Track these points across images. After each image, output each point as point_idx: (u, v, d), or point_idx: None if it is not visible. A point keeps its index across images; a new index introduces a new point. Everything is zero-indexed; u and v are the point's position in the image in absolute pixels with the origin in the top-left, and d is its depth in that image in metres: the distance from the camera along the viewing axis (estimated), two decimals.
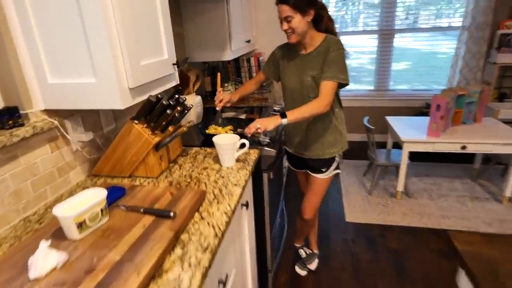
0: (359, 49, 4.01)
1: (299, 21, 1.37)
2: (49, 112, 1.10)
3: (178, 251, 0.83)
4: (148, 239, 0.81)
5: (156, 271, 0.75)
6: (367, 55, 4.01)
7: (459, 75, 3.65)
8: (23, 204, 1.02)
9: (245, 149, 1.33)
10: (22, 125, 1.00)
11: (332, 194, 2.96)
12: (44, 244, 0.73)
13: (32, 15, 0.96)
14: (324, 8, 1.47)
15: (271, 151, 1.51)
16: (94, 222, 0.86)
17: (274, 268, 1.84)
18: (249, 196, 1.39)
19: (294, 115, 1.39)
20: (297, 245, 2.13)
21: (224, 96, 1.63)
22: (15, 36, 0.99)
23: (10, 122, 0.97)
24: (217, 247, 0.86)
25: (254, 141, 1.53)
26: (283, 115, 1.38)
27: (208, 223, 0.94)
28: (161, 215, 0.90)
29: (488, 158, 3.13)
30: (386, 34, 3.82)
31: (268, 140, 1.52)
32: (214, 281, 0.92)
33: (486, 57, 3.52)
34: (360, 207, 2.72)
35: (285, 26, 1.40)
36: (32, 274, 0.70)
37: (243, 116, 1.82)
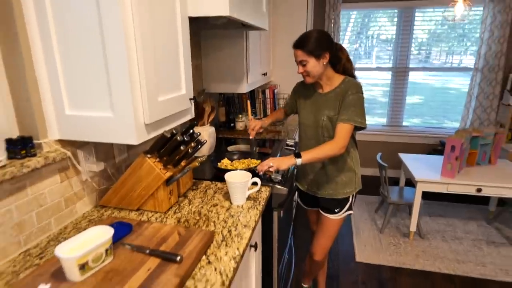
0: (372, 81, 4.02)
1: (313, 65, 1.38)
2: (63, 141, 1.10)
3: None
4: (152, 285, 0.77)
5: None
6: (379, 88, 4.02)
7: (472, 115, 3.62)
8: (25, 236, 1.00)
9: (257, 189, 1.29)
10: (35, 155, 1.00)
11: (342, 230, 2.86)
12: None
13: (57, 49, 0.98)
14: (342, 50, 1.48)
15: (282, 189, 1.47)
16: (97, 263, 0.82)
17: None
18: (258, 237, 1.33)
19: (308, 156, 1.36)
20: (305, 286, 2.03)
21: (256, 123, 1.66)
22: (38, 68, 1.00)
23: (23, 152, 0.97)
24: None
25: (266, 178, 1.50)
26: (298, 155, 1.35)
27: (215, 269, 0.89)
28: (168, 258, 0.86)
29: (503, 200, 3.01)
30: (400, 71, 3.84)
31: (280, 178, 1.49)
32: None
33: (500, 98, 3.49)
34: (371, 246, 2.62)
35: (301, 69, 1.42)
36: None
37: (256, 149, 1.80)
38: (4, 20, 0.93)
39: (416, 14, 3.63)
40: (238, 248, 0.99)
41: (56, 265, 0.83)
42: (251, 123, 1.68)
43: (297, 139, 2.29)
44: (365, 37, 3.90)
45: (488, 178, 2.49)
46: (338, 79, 1.46)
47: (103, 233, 0.85)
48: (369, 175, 4.06)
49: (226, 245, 1.01)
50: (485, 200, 3.27)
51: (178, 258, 0.85)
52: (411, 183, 2.69)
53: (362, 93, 1.43)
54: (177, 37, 1.19)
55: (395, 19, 3.71)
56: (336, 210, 1.62)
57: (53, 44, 0.98)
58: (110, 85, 0.96)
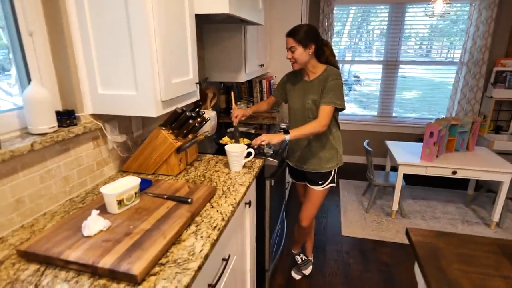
0: (371, 76, 4.25)
1: (300, 53, 1.64)
2: (95, 116, 1.37)
3: (193, 227, 1.06)
4: (171, 216, 1.05)
5: (176, 240, 0.98)
6: (378, 82, 4.23)
7: (457, 106, 3.87)
8: (69, 187, 1.27)
9: (251, 158, 1.57)
10: (76, 125, 1.27)
11: (331, 210, 3.15)
12: (95, 212, 0.97)
13: (93, 41, 1.24)
14: (327, 45, 1.74)
15: (273, 161, 1.75)
16: (130, 202, 1.10)
17: (271, 268, 2.02)
18: (252, 196, 1.61)
19: (295, 132, 1.63)
20: (294, 252, 2.32)
21: (238, 112, 1.89)
22: (78, 56, 1.27)
23: (68, 121, 1.24)
24: (223, 228, 1.09)
25: (260, 152, 1.77)
26: (286, 132, 1.62)
27: (217, 211, 1.17)
28: (181, 201, 1.14)
29: (481, 185, 3.29)
30: (390, 64, 4.09)
31: (271, 152, 1.76)
32: (219, 258, 1.14)
33: (484, 90, 3.75)
34: (356, 223, 2.90)
35: (289, 55, 1.67)
36: (86, 232, 0.94)
37: (252, 131, 2.07)
38: (53, 16, 1.20)
39: (411, 9, 3.84)
40: (235, 199, 1.27)
41: (98, 204, 1.11)
42: (234, 112, 1.89)
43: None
44: (366, 32, 4.11)
45: (464, 162, 2.75)
46: (321, 68, 1.73)
47: (133, 181, 1.12)
48: (359, 162, 4.33)
49: (225, 196, 1.28)
50: (465, 185, 3.54)
51: (190, 200, 1.13)
52: (396, 169, 2.95)
53: (341, 79, 1.69)
54: (186, 31, 1.45)
55: (392, 14, 3.91)
56: (320, 182, 1.89)
57: (90, 37, 1.24)
58: (135, 69, 1.23)
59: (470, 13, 3.62)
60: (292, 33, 1.65)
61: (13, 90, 1.24)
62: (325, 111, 1.66)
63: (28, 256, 0.89)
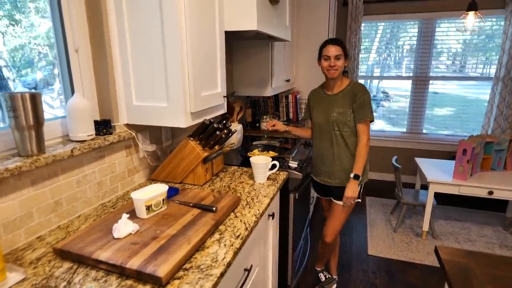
0: (400, 92, 4.18)
1: (342, 63, 1.70)
2: (128, 125, 1.45)
3: (216, 235, 1.08)
4: (196, 223, 1.08)
5: (200, 246, 1.01)
6: (407, 98, 4.14)
7: (493, 123, 3.70)
8: (102, 193, 1.34)
9: (275, 170, 1.58)
10: (111, 133, 1.35)
11: (357, 228, 3.06)
12: (125, 216, 1.02)
13: (130, 57, 1.33)
14: None
15: (298, 175, 1.75)
16: (157, 208, 1.14)
17: (294, 284, 1.99)
18: (275, 209, 1.62)
19: (359, 169, 1.73)
20: (318, 269, 2.27)
21: (276, 123, 1.91)
22: (116, 70, 1.36)
23: (104, 130, 1.32)
24: (246, 237, 1.10)
25: (284, 165, 1.78)
26: (356, 177, 1.73)
27: (240, 220, 1.19)
28: (206, 209, 1.17)
29: None
30: (420, 80, 4.00)
31: (296, 165, 1.76)
32: (241, 268, 1.15)
33: None
34: (384, 242, 2.80)
35: (333, 62, 1.68)
36: (116, 234, 0.98)
37: (277, 144, 2.09)
38: (96, 34, 1.30)
39: (442, 25, 3.77)
40: (258, 209, 1.28)
41: (128, 209, 1.17)
42: (273, 121, 1.92)
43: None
44: (395, 47, 4.08)
45: (501, 182, 2.60)
46: (345, 81, 1.74)
47: (161, 188, 1.17)
48: (387, 180, 4.20)
49: (249, 207, 1.30)
50: (503, 207, 3.33)
51: (214, 208, 1.15)
52: (426, 187, 2.84)
53: (369, 93, 1.71)
54: (215, 47, 1.52)
55: (422, 29, 3.84)
56: None
57: (128, 53, 1.33)
58: (167, 82, 1.30)
59: (505, 28, 3.50)
60: (341, 43, 1.70)
61: (55, 103, 1.35)
62: (364, 127, 1.72)
63: (63, 254, 0.95)
